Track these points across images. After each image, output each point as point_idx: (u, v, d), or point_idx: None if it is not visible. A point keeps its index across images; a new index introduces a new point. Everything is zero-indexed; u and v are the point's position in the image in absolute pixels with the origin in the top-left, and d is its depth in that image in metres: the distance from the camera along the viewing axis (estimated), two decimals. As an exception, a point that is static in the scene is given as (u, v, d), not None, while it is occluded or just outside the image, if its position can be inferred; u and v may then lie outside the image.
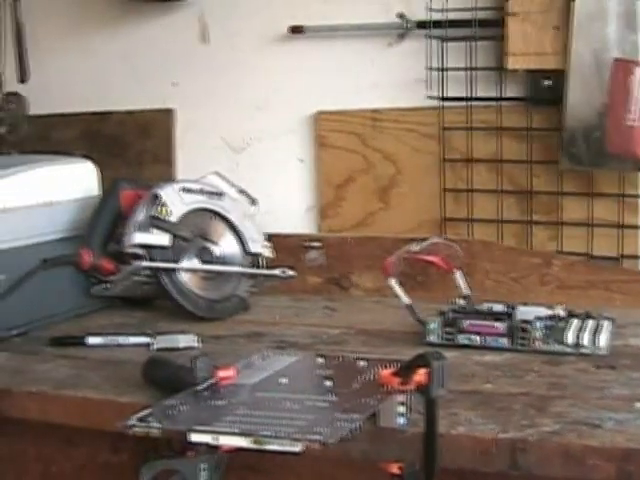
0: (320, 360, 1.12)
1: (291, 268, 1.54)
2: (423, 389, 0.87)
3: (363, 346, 1.30)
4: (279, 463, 1.05)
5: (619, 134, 1.44)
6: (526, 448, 0.91)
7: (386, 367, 0.98)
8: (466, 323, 1.26)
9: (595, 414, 0.97)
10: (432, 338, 1.27)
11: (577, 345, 1.21)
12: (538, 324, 1.22)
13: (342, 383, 1.01)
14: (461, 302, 1.33)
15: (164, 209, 1.46)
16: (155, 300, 1.54)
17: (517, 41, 1.52)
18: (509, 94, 1.59)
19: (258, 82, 1.77)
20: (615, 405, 1.01)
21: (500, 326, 1.24)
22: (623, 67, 1.43)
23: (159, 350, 1.29)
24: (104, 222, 1.50)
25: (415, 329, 1.31)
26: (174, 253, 1.47)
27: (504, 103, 1.58)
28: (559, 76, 1.51)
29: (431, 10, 1.57)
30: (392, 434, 0.95)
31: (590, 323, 1.24)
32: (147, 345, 1.31)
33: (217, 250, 1.52)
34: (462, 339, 1.26)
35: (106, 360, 1.26)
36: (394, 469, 0.92)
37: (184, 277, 1.47)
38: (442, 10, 1.57)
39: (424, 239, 1.39)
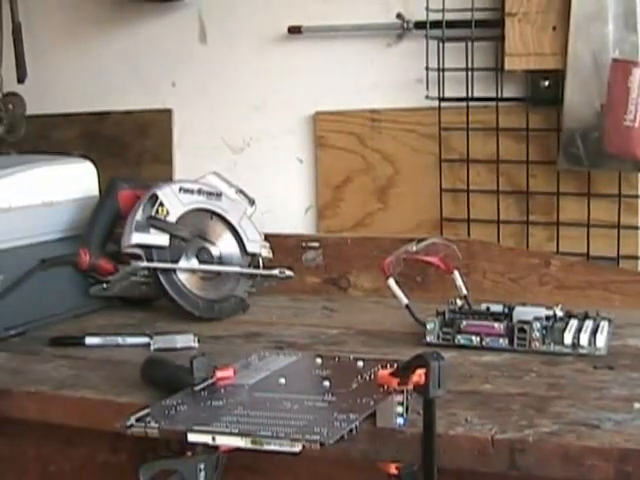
0: (318, 360, 1.12)
1: (289, 268, 1.54)
2: (421, 389, 0.87)
3: (362, 346, 1.30)
4: (277, 463, 1.05)
5: (618, 134, 1.44)
6: (525, 448, 0.91)
7: (384, 367, 0.98)
8: (465, 323, 1.26)
9: (594, 414, 0.98)
10: (431, 338, 1.27)
11: (575, 345, 1.21)
12: (537, 324, 1.22)
13: (340, 383, 1.01)
14: (460, 302, 1.33)
15: (162, 209, 1.46)
16: (154, 300, 1.54)
17: (515, 41, 1.52)
18: (507, 94, 1.59)
19: (257, 82, 1.77)
20: (614, 405, 1.01)
21: (499, 326, 1.24)
22: (622, 67, 1.43)
23: (158, 350, 1.29)
24: (102, 222, 1.50)
25: (414, 329, 1.31)
26: (172, 253, 1.47)
27: (502, 103, 1.58)
28: (558, 76, 1.51)
29: (429, 10, 1.57)
30: (390, 434, 0.95)
31: (589, 323, 1.25)
32: (146, 345, 1.31)
33: (215, 250, 1.52)
34: (461, 339, 1.26)
35: (105, 360, 1.26)
36: (392, 469, 0.92)
37: (182, 277, 1.48)
38: (440, 10, 1.57)
39: (423, 239, 1.39)
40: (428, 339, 1.27)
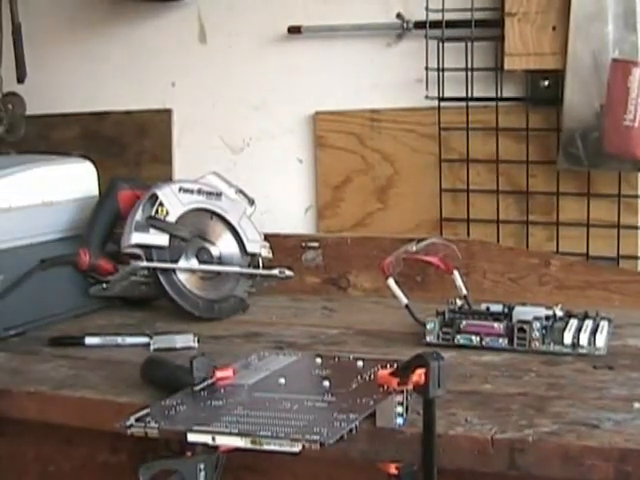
0: (318, 360, 1.12)
1: (289, 268, 1.54)
2: (421, 389, 0.87)
3: (361, 346, 1.30)
4: (277, 463, 1.05)
5: (617, 134, 1.44)
6: (524, 448, 0.91)
7: (384, 367, 0.98)
8: (464, 323, 1.26)
9: (593, 414, 0.98)
10: (430, 338, 1.27)
11: (575, 345, 1.21)
12: (536, 324, 1.22)
13: (340, 383, 1.01)
14: (459, 302, 1.33)
15: (162, 209, 1.46)
16: (153, 300, 1.54)
17: (515, 41, 1.52)
18: (507, 94, 1.59)
19: (257, 82, 1.77)
20: (613, 405, 1.01)
21: (498, 326, 1.24)
22: (622, 67, 1.43)
23: (157, 350, 1.29)
24: (102, 222, 1.50)
25: (413, 329, 1.31)
26: (172, 253, 1.47)
27: (502, 103, 1.58)
28: (557, 76, 1.51)
29: (429, 10, 1.57)
30: (390, 434, 0.95)
31: (588, 323, 1.25)
32: (145, 345, 1.31)
33: (215, 250, 1.52)
34: (460, 339, 1.26)
35: (105, 360, 1.26)
36: (392, 469, 0.92)
37: (182, 277, 1.47)
38: (440, 10, 1.57)
39: (422, 239, 1.39)
40: (428, 339, 1.27)
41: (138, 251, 1.44)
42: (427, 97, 1.59)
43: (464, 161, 1.62)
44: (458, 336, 1.26)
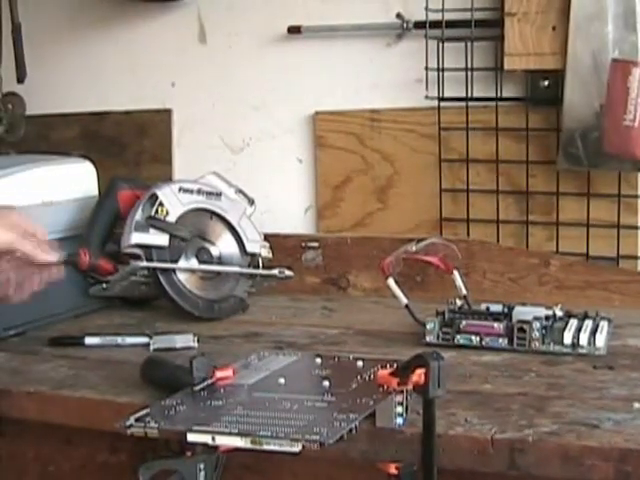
0: (318, 360, 1.12)
1: (289, 268, 1.54)
2: (421, 389, 0.87)
3: (361, 346, 1.30)
4: (277, 463, 1.05)
5: (617, 134, 1.44)
6: (524, 448, 0.91)
7: (384, 367, 0.98)
8: (464, 323, 1.26)
9: (593, 414, 0.98)
10: (430, 338, 1.27)
11: (575, 345, 1.21)
12: (536, 324, 1.22)
13: (340, 383, 1.01)
14: (459, 302, 1.33)
15: (162, 209, 1.46)
16: (153, 300, 1.54)
17: (515, 41, 1.52)
18: (507, 94, 1.59)
19: (256, 82, 1.77)
20: (613, 405, 1.01)
21: (498, 326, 1.24)
22: (621, 67, 1.43)
23: (157, 350, 1.29)
24: (102, 222, 1.50)
25: (413, 329, 1.31)
26: (172, 253, 1.47)
27: (502, 103, 1.58)
28: (557, 76, 1.51)
29: (429, 10, 1.57)
30: (390, 434, 0.95)
31: (588, 323, 1.25)
32: (145, 345, 1.31)
33: (215, 250, 1.52)
34: (460, 339, 1.26)
35: (105, 360, 1.26)
36: (392, 469, 0.92)
37: (182, 277, 1.47)
38: (440, 10, 1.57)
39: (422, 239, 1.39)
40: (428, 339, 1.27)
41: (138, 251, 1.44)
42: (427, 97, 1.59)
43: (464, 161, 1.62)
44: (458, 336, 1.26)
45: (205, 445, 0.88)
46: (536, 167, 1.58)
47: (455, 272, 1.37)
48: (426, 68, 1.58)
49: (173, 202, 1.48)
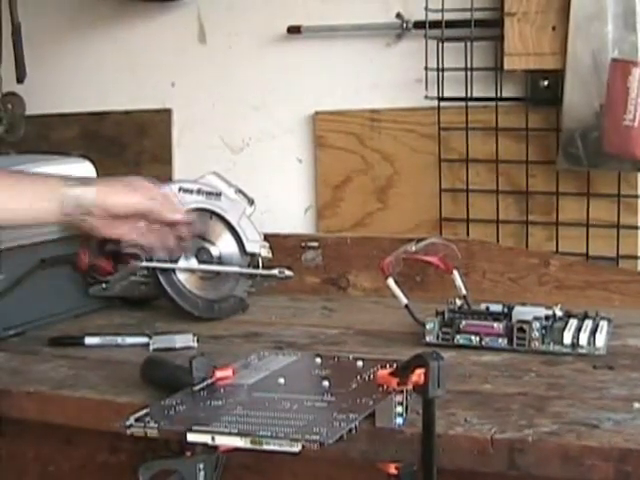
0: (318, 360, 1.12)
1: (289, 268, 1.54)
2: (421, 389, 0.87)
3: (361, 346, 1.30)
4: (276, 463, 1.05)
5: (617, 134, 1.44)
6: (524, 448, 0.91)
7: (384, 367, 0.98)
8: (464, 323, 1.26)
9: (593, 414, 0.98)
10: (430, 338, 1.27)
11: (575, 345, 1.21)
12: (536, 324, 1.22)
13: (340, 383, 1.01)
14: (459, 302, 1.33)
15: (162, 209, 1.46)
16: (153, 300, 1.54)
17: (515, 41, 1.52)
18: (507, 94, 1.59)
19: (256, 82, 1.77)
20: (613, 405, 1.01)
21: (498, 326, 1.24)
22: (621, 67, 1.43)
23: (157, 350, 1.29)
24: (102, 222, 1.50)
25: (413, 329, 1.31)
26: (172, 253, 1.47)
27: (502, 103, 1.58)
28: (557, 76, 1.51)
29: (429, 10, 1.57)
30: (390, 434, 0.95)
31: (588, 323, 1.25)
32: (145, 345, 1.31)
33: (215, 250, 1.52)
34: (460, 339, 1.26)
35: (104, 360, 1.26)
36: (392, 469, 0.92)
37: (182, 277, 1.47)
38: (440, 10, 1.57)
39: (422, 239, 1.39)
40: (427, 339, 1.27)
41: (138, 251, 1.44)
42: (427, 97, 1.59)
43: (464, 161, 1.62)
44: (458, 336, 1.26)
45: (205, 445, 0.88)
46: (536, 167, 1.58)
47: (455, 272, 1.37)
48: (426, 68, 1.58)
49: (173, 202, 1.48)
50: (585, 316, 1.27)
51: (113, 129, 1.87)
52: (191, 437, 0.88)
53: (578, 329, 1.22)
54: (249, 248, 1.53)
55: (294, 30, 1.71)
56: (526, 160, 1.57)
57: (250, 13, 1.76)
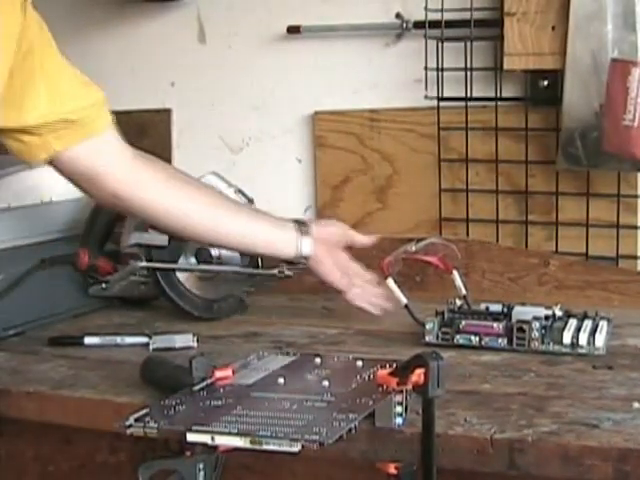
0: (318, 360, 1.12)
1: (289, 268, 1.54)
2: (420, 389, 0.87)
3: (361, 346, 1.30)
4: (276, 463, 1.05)
5: (617, 134, 1.44)
6: (524, 448, 0.91)
7: (383, 367, 0.98)
8: (464, 323, 1.26)
9: (593, 414, 0.98)
10: (430, 338, 1.27)
11: (575, 345, 1.21)
12: (536, 324, 1.22)
13: (339, 383, 1.01)
14: (459, 302, 1.33)
15: (162, 209, 1.46)
16: (153, 300, 1.54)
17: (514, 41, 1.52)
18: (506, 94, 1.59)
19: (256, 82, 1.77)
20: (613, 405, 1.01)
21: (498, 326, 1.24)
22: (621, 67, 1.43)
23: (157, 350, 1.29)
24: (101, 222, 1.50)
25: (413, 329, 1.31)
26: (171, 253, 1.47)
27: (501, 103, 1.58)
28: (557, 76, 1.51)
29: (428, 10, 1.57)
30: (389, 434, 0.95)
31: (588, 323, 1.25)
32: (145, 345, 1.31)
33: (214, 250, 1.52)
34: (460, 339, 1.26)
35: (104, 360, 1.26)
36: (391, 469, 0.92)
37: (181, 277, 1.47)
38: (439, 10, 1.57)
39: (422, 239, 1.39)
40: (427, 339, 1.27)
41: (137, 251, 1.44)
42: (426, 97, 1.59)
43: (463, 161, 1.62)
44: (457, 336, 1.26)
45: (204, 445, 0.88)
46: (535, 167, 1.58)
47: (455, 272, 1.37)
48: (425, 68, 1.58)
49: (173, 202, 1.48)
50: (585, 316, 1.27)
51: (113, 129, 1.86)
52: (191, 437, 0.88)
53: (578, 329, 1.22)
54: (249, 248, 1.53)
55: (294, 30, 1.71)
56: (526, 160, 1.58)
57: (250, 13, 1.76)
